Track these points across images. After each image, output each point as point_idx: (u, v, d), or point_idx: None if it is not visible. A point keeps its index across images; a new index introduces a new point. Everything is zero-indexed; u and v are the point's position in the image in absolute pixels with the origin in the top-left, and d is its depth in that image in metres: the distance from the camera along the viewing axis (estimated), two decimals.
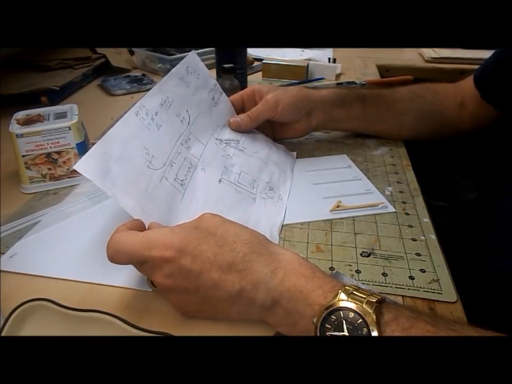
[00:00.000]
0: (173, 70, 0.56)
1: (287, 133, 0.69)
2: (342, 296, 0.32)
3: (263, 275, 0.34)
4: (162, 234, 0.36)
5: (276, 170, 0.60)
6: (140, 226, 0.40)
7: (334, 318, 0.31)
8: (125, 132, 0.45)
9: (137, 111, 0.48)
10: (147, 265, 0.36)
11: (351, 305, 0.31)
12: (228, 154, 0.57)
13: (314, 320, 0.32)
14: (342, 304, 0.31)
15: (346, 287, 0.32)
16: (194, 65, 0.59)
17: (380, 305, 0.31)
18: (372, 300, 0.31)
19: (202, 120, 0.57)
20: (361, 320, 0.30)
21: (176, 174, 0.48)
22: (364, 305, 0.31)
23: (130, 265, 0.39)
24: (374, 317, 0.30)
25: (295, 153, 0.68)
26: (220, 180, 0.52)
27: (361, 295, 0.32)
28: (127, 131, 0.46)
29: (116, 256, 0.37)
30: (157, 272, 0.36)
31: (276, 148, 0.66)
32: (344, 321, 0.31)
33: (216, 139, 0.58)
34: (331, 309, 0.31)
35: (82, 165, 0.40)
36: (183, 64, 0.57)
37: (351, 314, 0.31)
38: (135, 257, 0.36)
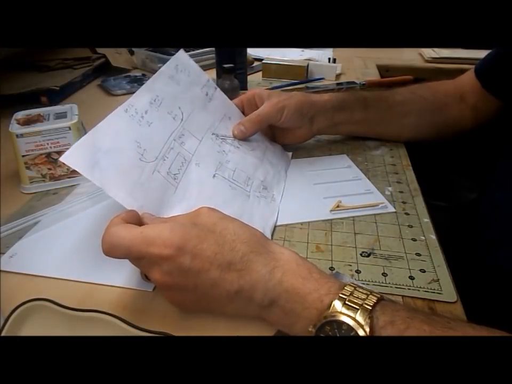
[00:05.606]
0: (161, 69, 0.55)
1: (288, 139, 0.68)
2: (337, 305, 0.32)
3: (261, 275, 0.35)
4: (160, 230, 0.36)
5: (271, 170, 0.60)
6: (135, 218, 0.39)
7: (329, 328, 0.31)
8: (114, 126, 0.45)
9: (127, 109, 0.48)
10: (144, 261, 0.36)
11: (344, 318, 0.31)
12: (223, 150, 0.57)
13: (310, 328, 0.32)
14: (336, 317, 0.31)
15: (341, 294, 0.32)
16: (184, 63, 0.58)
17: (376, 308, 0.31)
18: (367, 307, 0.31)
19: (197, 116, 0.56)
20: (354, 332, 0.30)
21: (169, 168, 0.48)
22: (358, 316, 0.31)
23: (130, 266, 0.39)
24: (368, 329, 0.30)
25: (290, 153, 0.68)
26: (214, 175, 0.52)
27: (357, 300, 0.32)
28: (116, 125, 0.45)
29: (112, 251, 0.36)
30: (155, 269, 0.35)
31: (272, 147, 0.66)
32: (337, 333, 0.31)
33: (213, 134, 0.57)
34: (324, 321, 0.31)
35: (69, 157, 0.39)
36: (172, 62, 0.57)
37: (345, 326, 0.31)
38: (132, 253, 0.36)
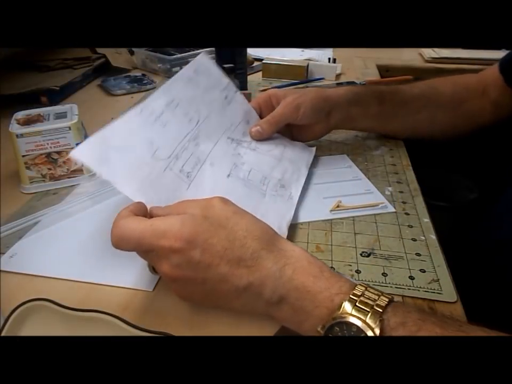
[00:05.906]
0: (180, 72, 0.55)
1: (306, 135, 0.67)
2: (347, 306, 0.31)
3: (271, 272, 0.34)
4: (171, 223, 0.35)
5: (290, 167, 0.59)
6: (143, 210, 0.39)
7: (338, 329, 0.31)
8: (127, 125, 0.45)
9: (142, 110, 0.48)
10: (153, 253, 0.36)
11: (354, 320, 0.31)
12: (239, 153, 0.56)
13: (319, 328, 0.32)
14: (346, 318, 0.31)
15: (351, 295, 0.32)
16: (205, 66, 0.58)
17: (387, 310, 0.31)
18: (378, 309, 0.31)
19: (214, 119, 0.56)
20: (364, 334, 0.30)
21: (182, 166, 0.48)
22: (368, 319, 0.30)
23: (130, 265, 0.39)
24: (378, 332, 0.30)
25: (314, 148, 0.67)
26: (229, 175, 0.52)
27: (367, 301, 0.31)
28: (129, 125, 0.46)
29: (121, 243, 0.36)
30: (164, 261, 0.35)
31: (291, 144, 0.65)
32: (346, 335, 0.31)
33: (228, 138, 0.57)
34: (334, 321, 0.31)
35: (79, 151, 0.40)
36: (192, 65, 0.57)
37: (355, 328, 0.31)
38: (142, 246, 0.36)
